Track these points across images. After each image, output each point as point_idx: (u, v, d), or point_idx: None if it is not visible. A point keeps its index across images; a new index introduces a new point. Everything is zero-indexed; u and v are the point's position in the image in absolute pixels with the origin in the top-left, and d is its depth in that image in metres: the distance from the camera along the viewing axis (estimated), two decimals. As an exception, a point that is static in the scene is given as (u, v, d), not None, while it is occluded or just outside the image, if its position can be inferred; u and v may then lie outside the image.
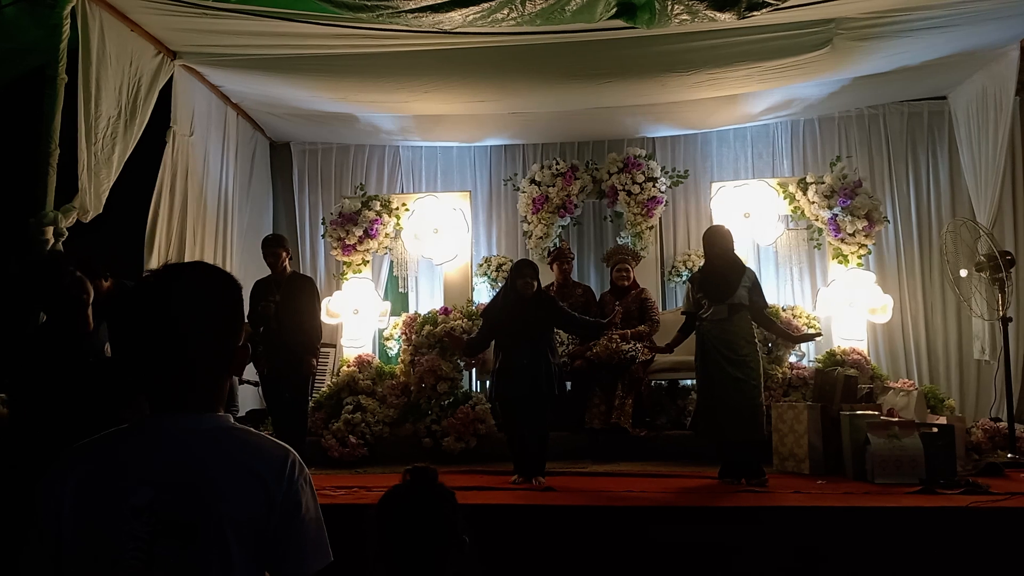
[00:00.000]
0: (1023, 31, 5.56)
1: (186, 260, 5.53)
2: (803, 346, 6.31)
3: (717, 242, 4.73)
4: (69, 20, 4.27)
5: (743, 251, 6.57)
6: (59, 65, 4.23)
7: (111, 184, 4.65)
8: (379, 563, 1.75)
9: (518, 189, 7.11)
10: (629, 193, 6.76)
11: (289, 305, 5.01)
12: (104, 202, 4.56)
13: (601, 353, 5.59)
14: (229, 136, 6.49)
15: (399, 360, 6.36)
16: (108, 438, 1.32)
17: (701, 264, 5.22)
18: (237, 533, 1.25)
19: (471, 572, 1.79)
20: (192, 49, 5.42)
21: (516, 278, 4.70)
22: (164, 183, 5.38)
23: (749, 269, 4.79)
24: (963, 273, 5.75)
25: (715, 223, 5.81)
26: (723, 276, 4.65)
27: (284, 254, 5.17)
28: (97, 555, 1.24)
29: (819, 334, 5.58)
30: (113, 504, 1.25)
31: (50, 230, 4.13)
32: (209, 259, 5.97)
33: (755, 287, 4.69)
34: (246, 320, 5.22)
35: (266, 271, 5.19)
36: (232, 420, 1.38)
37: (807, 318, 6.28)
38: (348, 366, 6.29)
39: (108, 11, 4.65)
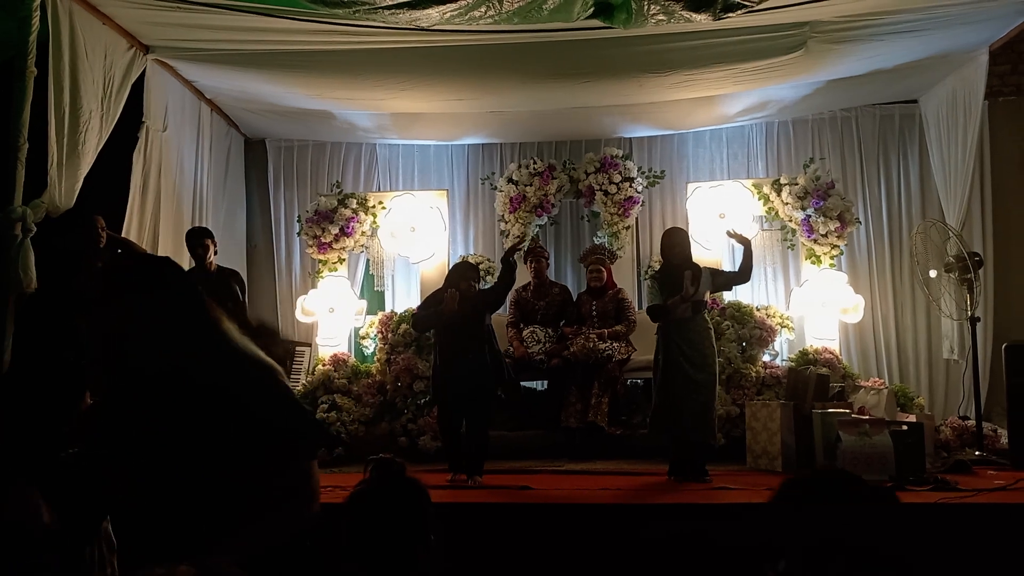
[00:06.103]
0: (992, 36, 5.67)
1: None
2: (776, 345, 6.37)
3: (677, 242, 4.85)
4: (39, 12, 4.18)
5: (719, 251, 6.65)
6: (28, 58, 4.12)
7: (82, 179, 4.57)
8: (350, 561, 1.71)
9: (495, 188, 7.09)
10: (606, 193, 6.78)
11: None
12: (75, 198, 4.48)
13: (578, 352, 5.62)
14: (203, 132, 6.40)
15: (375, 359, 6.33)
16: None
17: (660, 265, 5.20)
18: None
19: (435, 570, 1.74)
20: (165, 43, 5.33)
21: (459, 281, 4.80)
22: (136, 179, 5.30)
23: (704, 268, 4.86)
24: (932, 274, 5.85)
25: (675, 225, 5.70)
26: (681, 277, 4.71)
27: (212, 245, 4.98)
28: None
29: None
30: None
31: (19, 226, 4.04)
32: (183, 257, 5.88)
33: (715, 273, 4.94)
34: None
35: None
36: None
37: (780, 317, 6.35)
38: (323, 365, 6.24)
39: (79, 3, 4.55)
